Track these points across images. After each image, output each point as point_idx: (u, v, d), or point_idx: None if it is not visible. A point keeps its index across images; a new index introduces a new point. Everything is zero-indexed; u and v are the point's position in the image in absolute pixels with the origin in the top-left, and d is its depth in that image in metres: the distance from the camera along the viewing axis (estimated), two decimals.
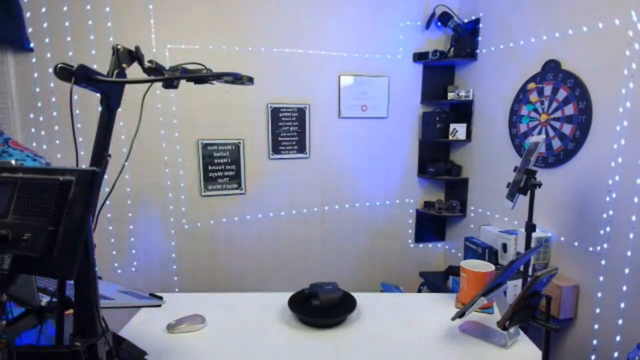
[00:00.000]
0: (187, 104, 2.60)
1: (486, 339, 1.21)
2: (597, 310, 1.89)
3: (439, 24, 2.87)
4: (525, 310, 1.04)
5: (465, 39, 2.75)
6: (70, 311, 0.74)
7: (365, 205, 3.05)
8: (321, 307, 1.32)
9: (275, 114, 2.75)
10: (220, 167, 2.71)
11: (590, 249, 1.92)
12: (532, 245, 1.91)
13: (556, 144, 2.10)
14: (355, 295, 1.40)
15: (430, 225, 3.20)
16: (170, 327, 1.25)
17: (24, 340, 0.78)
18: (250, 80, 0.95)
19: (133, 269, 2.65)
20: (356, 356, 1.15)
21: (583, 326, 1.98)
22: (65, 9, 2.35)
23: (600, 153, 1.87)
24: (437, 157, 3.07)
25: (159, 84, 0.86)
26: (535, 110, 2.24)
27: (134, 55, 0.83)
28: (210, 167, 2.69)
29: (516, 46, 2.40)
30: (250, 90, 2.53)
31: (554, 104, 2.11)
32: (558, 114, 2.10)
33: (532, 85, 2.25)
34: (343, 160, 2.95)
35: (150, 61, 0.87)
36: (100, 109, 0.78)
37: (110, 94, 0.78)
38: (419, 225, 3.18)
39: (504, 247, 2.32)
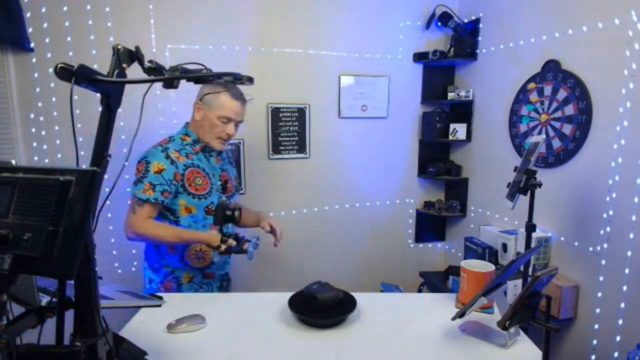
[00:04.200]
0: (187, 104, 2.60)
1: (486, 339, 1.21)
2: (597, 310, 1.89)
3: (439, 24, 2.87)
4: (525, 310, 1.04)
5: (465, 39, 2.75)
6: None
7: (365, 205, 3.05)
8: (321, 307, 1.32)
9: (275, 114, 2.75)
10: None
11: (590, 249, 1.92)
12: (532, 245, 1.91)
13: (556, 144, 2.10)
14: (355, 295, 1.40)
15: (430, 225, 3.20)
16: (170, 327, 1.25)
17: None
18: (250, 80, 0.96)
19: (133, 269, 2.65)
20: (356, 356, 1.15)
21: (583, 326, 1.98)
22: (65, 9, 2.35)
23: (600, 153, 1.87)
24: (437, 157, 3.07)
25: (159, 84, 0.87)
26: (535, 110, 2.24)
27: (134, 55, 0.83)
28: None
29: (516, 46, 2.40)
30: (250, 90, 2.53)
31: (554, 104, 2.12)
32: (558, 114, 2.10)
33: (532, 85, 2.25)
34: (343, 160, 2.95)
35: (150, 61, 0.87)
36: (100, 109, 0.78)
37: (111, 94, 0.78)
38: (419, 225, 3.18)
39: (504, 247, 2.32)
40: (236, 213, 1.43)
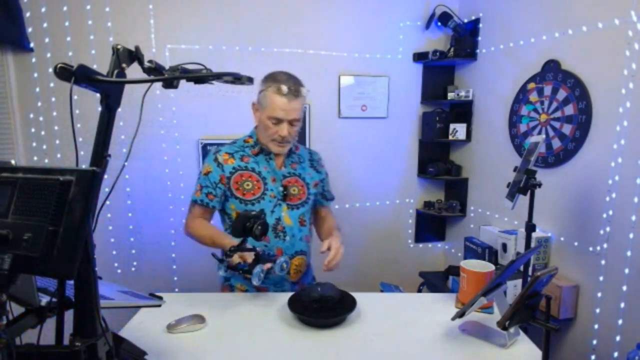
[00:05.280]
0: (187, 104, 2.60)
1: (486, 339, 1.21)
2: (597, 310, 1.89)
3: (439, 24, 2.87)
4: (525, 310, 1.04)
5: (465, 39, 2.75)
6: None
7: (365, 205, 3.05)
8: (321, 307, 1.32)
9: None
10: None
11: (590, 249, 1.92)
12: (532, 245, 1.91)
13: (556, 144, 2.10)
14: (355, 295, 1.40)
15: (430, 225, 3.20)
16: (170, 327, 1.25)
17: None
18: (250, 80, 0.95)
19: (133, 269, 2.65)
20: (356, 356, 1.15)
21: (583, 326, 1.98)
22: (65, 9, 2.35)
23: (600, 153, 1.87)
24: (437, 157, 3.07)
25: (159, 84, 0.86)
26: (535, 110, 2.24)
27: (134, 55, 0.83)
28: None
29: (516, 46, 2.40)
30: (251, 90, 2.53)
31: (554, 104, 2.12)
32: (558, 114, 2.10)
33: (532, 85, 2.25)
34: (343, 160, 2.95)
35: (150, 61, 0.87)
36: (100, 109, 0.78)
37: (110, 94, 0.78)
38: (419, 225, 3.18)
39: (504, 247, 2.32)
40: (257, 228, 1.25)
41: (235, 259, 1.33)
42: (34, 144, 2.42)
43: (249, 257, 1.33)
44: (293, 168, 1.61)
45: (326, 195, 1.75)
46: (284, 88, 1.43)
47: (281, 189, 1.54)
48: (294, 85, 1.46)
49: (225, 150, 1.56)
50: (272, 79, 1.47)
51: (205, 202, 1.53)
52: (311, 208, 1.66)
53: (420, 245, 3.22)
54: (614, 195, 1.80)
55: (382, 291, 2.87)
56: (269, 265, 1.33)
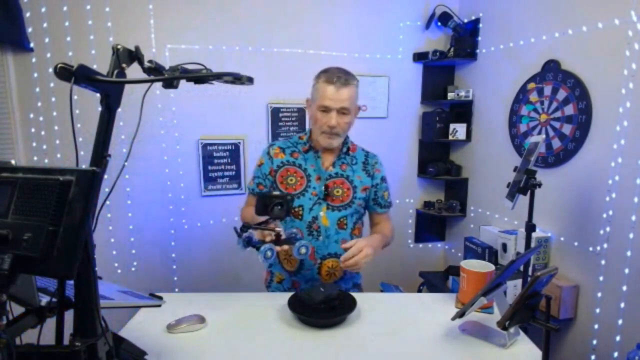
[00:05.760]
0: (187, 104, 2.60)
1: (486, 339, 1.21)
2: (597, 310, 1.89)
3: (439, 24, 2.87)
4: (525, 310, 1.04)
5: (465, 39, 2.75)
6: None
7: None
8: (321, 307, 1.32)
9: (275, 114, 2.75)
10: (220, 167, 2.71)
11: (590, 249, 1.92)
12: (532, 245, 1.91)
13: (556, 144, 2.10)
14: (355, 295, 1.40)
15: (430, 225, 3.20)
16: (170, 327, 1.25)
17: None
18: (250, 80, 0.95)
19: (133, 269, 2.65)
20: (356, 356, 1.15)
21: (583, 326, 1.98)
22: (65, 9, 2.35)
23: (600, 153, 1.87)
24: (437, 157, 3.07)
25: (159, 84, 0.86)
26: (535, 110, 2.24)
27: (134, 55, 0.83)
28: (210, 167, 2.69)
29: (516, 46, 2.40)
30: (250, 90, 2.53)
31: (554, 104, 2.12)
32: (558, 114, 2.10)
33: (532, 85, 2.25)
34: None
35: (150, 61, 0.87)
36: (100, 109, 0.78)
37: (110, 94, 0.78)
38: (419, 225, 3.18)
39: (504, 247, 2.32)
40: (276, 208, 1.24)
41: (258, 235, 1.31)
42: (34, 144, 2.42)
43: (269, 236, 1.30)
44: (342, 169, 1.59)
45: (380, 202, 1.66)
46: (333, 77, 1.45)
47: (322, 189, 1.54)
48: (344, 75, 1.47)
49: (279, 145, 1.62)
50: (323, 71, 1.51)
51: (256, 191, 1.62)
52: (357, 213, 1.61)
53: (420, 245, 3.22)
54: (614, 195, 1.80)
55: (382, 291, 2.87)
56: (285, 247, 1.30)
